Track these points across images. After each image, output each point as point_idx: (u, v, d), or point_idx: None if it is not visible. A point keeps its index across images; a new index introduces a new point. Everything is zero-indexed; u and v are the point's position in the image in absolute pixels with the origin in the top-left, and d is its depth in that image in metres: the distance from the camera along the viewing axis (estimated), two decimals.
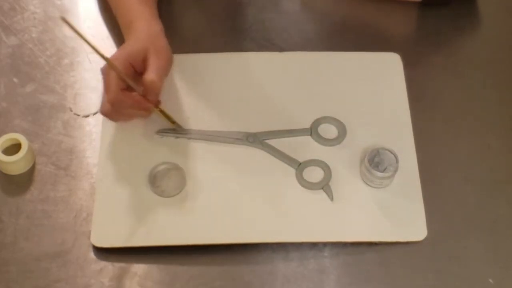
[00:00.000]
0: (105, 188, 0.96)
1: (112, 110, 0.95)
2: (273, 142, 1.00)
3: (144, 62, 0.95)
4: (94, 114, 1.04)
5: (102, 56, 0.91)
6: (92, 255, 0.93)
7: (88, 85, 1.06)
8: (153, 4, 1.03)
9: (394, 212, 0.95)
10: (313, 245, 0.94)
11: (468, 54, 1.12)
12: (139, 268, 0.92)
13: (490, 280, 0.92)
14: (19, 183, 0.98)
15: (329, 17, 1.13)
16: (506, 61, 1.11)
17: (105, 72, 0.94)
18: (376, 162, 0.95)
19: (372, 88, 1.05)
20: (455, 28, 1.12)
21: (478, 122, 1.04)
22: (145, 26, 0.98)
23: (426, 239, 0.94)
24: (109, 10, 1.07)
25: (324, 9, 1.13)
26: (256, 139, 1.00)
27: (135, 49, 0.95)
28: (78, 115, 1.04)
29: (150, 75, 0.93)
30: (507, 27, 1.15)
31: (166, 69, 0.97)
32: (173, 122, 1.00)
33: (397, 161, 0.95)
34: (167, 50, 0.98)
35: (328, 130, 1.01)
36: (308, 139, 1.01)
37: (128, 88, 0.95)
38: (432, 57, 1.11)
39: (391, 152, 0.96)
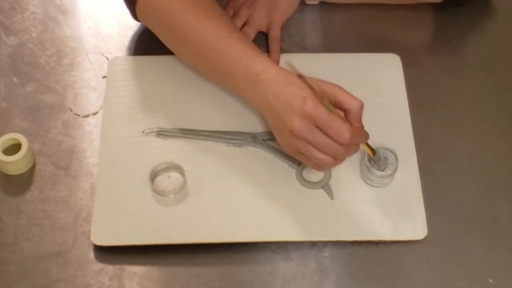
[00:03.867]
0: (105, 188, 0.96)
1: (340, 157, 0.90)
2: (273, 142, 1.00)
3: (324, 95, 0.88)
4: (94, 114, 1.04)
5: (318, 94, 0.86)
6: (92, 255, 0.93)
7: (88, 85, 1.06)
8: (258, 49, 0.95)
9: (394, 211, 0.95)
10: (313, 245, 0.94)
11: (468, 54, 1.12)
12: (139, 268, 0.92)
13: (490, 280, 0.92)
14: (19, 183, 0.98)
15: (329, 18, 1.13)
16: (506, 61, 1.11)
17: (326, 119, 0.86)
18: (376, 161, 0.95)
19: (372, 89, 1.05)
20: (455, 28, 1.12)
21: (478, 122, 1.05)
22: (280, 72, 0.91)
23: (426, 239, 0.94)
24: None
25: (324, 10, 1.13)
26: (256, 139, 1.00)
27: (313, 88, 0.87)
28: (78, 115, 1.04)
29: (357, 101, 0.89)
30: (506, 27, 1.15)
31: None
32: (374, 152, 0.95)
33: (397, 160, 0.95)
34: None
35: None
36: None
37: None
38: (432, 57, 1.11)
39: (391, 151, 0.96)
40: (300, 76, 0.86)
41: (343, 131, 0.86)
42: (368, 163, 0.95)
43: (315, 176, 0.98)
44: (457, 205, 0.97)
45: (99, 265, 0.92)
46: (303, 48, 1.10)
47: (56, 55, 1.09)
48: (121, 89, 1.05)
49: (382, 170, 0.95)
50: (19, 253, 0.93)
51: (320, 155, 0.88)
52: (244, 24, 1.08)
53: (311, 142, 0.88)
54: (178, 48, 0.99)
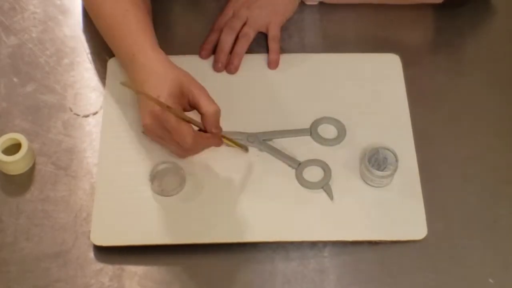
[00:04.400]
0: (105, 187, 0.96)
1: (187, 154, 0.97)
2: (273, 142, 1.00)
3: (184, 95, 0.93)
4: (94, 114, 1.04)
5: (161, 105, 0.89)
6: (92, 255, 0.93)
7: (88, 85, 1.06)
8: (152, 31, 0.99)
9: (394, 211, 0.95)
10: (313, 245, 0.94)
11: (467, 54, 1.12)
12: (139, 268, 0.92)
13: (490, 280, 0.92)
14: (19, 183, 0.98)
15: (329, 18, 1.13)
16: (506, 61, 1.11)
17: (172, 124, 0.91)
18: (376, 161, 0.95)
19: (372, 89, 1.05)
20: (455, 28, 1.13)
21: (478, 122, 1.05)
22: (153, 57, 0.95)
23: (426, 239, 0.94)
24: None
25: (324, 10, 1.13)
26: (256, 139, 1.00)
27: (172, 86, 0.92)
28: (78, 115, 1.04)
29: (212, 106, 0.93)
30: (506, 27, 1.15)
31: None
32: (243, 146, 0.98)
33: (396, 160, 0.95)
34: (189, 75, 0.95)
35: (328, 130, 1.01)
36: (308, 139, 1.01)
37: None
38: (431, 57, 1.11)
39: (391, 151, 0.96)
40: (141, 92, 0.90)
41: (185, 136, 0.92)
42: (368, 164, 0.95)
43: (315, 176, 0.98)
44: (457, 205, 0.97)
45: (99, 265, 0.92)
46: (303, 48, 1.10)
47: (56, 55, 1.09)
48: (121, 89, 1.04)
49: (382, 170, 0.95)
50: (19, 253, 0.93)
51: (171, 147, 0.96)
52: (244, 24, 1.08)
53: (160, 137, 0.95)
54: (93, 20, 1.04)
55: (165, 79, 0.92)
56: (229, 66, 1.06)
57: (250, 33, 1.08)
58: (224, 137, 0.96)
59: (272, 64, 1.07)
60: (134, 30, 0.97)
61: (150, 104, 0.91)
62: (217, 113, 0.93)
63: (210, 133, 0.94)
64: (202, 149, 0.98)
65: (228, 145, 0.98)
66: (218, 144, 0.97)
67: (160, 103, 0.89)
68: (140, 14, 0.98)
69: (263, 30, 1.09)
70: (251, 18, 1.08)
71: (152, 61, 0.94)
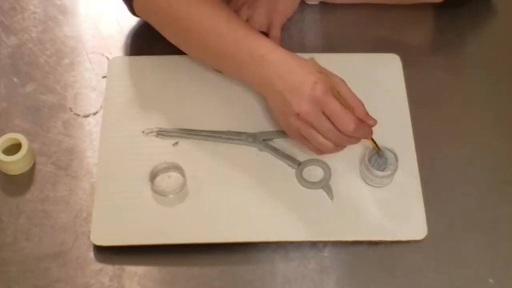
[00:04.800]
0: (105, 187, 0.96)
1: (335, 148, 0.91)
2: (273, 142, 1.00)
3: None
4: (94, 114, 1.04)
5: (333, 89, 0.87)
6: (92, 255, 0.93)
7: (88, 85, 1.06)
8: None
9: (394, 211, 0.95)
10: (313, 245, 0.94)
11: (467, 54, 1.12)
12: (139, 268, 0.92)
13: (490, 280, 0.92)
14: (19, 183, 0.98)
15: (329, 18, 1.13)
16: (506, 61, 1.11)
17: (337, 107, 0.87)
18: (376, 161, 0.95)
19: (372, 89, 1.05)
20: (455, 28, 1.12)
21: (478, 122, 1.05)
22: (286, 52, 0.91)
23: (426, 239, 0.94)
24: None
25: (324, 10, 1.14)
26: (256, 139, 1.00)
27: (321, 76, 0.89)
28: (78, 115, 1.04)
29: (357, 99, 0.90)
30: (506, 27, 1.15)
31: None
32: (379, 149, 0.96)
33: (396, 160, 0.95)
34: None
35: None
36: None
37: None
38: (431, 57, 1.11)
39: (391, 151, 0.96)
40: (311, 59, 0.86)
41: (348, 121, 0.87)
42: (368, 164, 0.95)
43: (315, 176, 0.98)
44: (457, 205, 0.97)
45: (99, 265, 0.92)
46: (303, 48, 1.09)
47: (56, 55, 1.09)
48: (121, 89, 1.05)
49: (382, 170, 0.95)
50: (19, 253, 0.93)
51: (322, 140, 0.90)
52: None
53: (315, 127, 0.89)
54: (178, 37, 0.99)
55: (311, 67, 0.89)
56: None
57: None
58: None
59: None
60: (248, 34, 0.93)
61: (305, 91, 0.87)
62: (363, 105, 0.91)
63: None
64: (356, 142, 0.93)
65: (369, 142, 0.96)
66: (369, 135, 0.93)
67: (324, 71, 0.87)
68: (241, 19, 0.96)
69: (264, 29, 1.09)
70: (251, 18, 1.08)
71: (286, 55, 0.90)
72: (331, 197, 0.96)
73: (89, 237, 0.93)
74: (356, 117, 0.89)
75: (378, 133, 0.99)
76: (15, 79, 1.07)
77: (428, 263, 0.93)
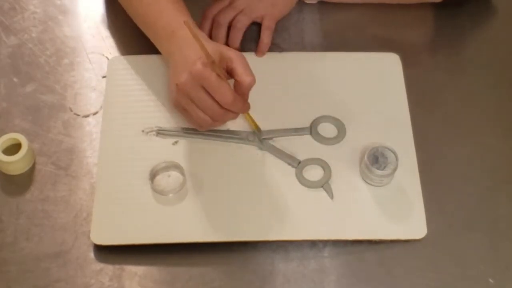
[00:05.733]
0: (105, 187, 0.96)
1: (214, 123, 0.95)
2: (273, 141, 1.00)
3: (222, 61, 0.93)
4: (94, 114, 1.04)
5: (208, 56, 0.90)
6: (92, 255, 0.93)
7: (88, 85, 1.06)
8: (187, 10, 1.00)
9: (394, 210, 0.95)
10: (313, 245, 0.94)
11: (467, 54, 1.12)
12: (139, 268, 0.92)
13: (490, 280, 0.92)
14: (19, 183, 0.98)
15: (329, 17, 1.13)
16: (506, 61, 1.11)
17: (213, 80, 0.90)
18: (375, 160, 0.95)
19: (372, 88, 1.05)
20: (455, 28, 1.13)
21: (478, 122, 1.05)
22: (197, 29, 0.95)
23: (426, 239, 0.94)
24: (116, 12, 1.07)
25: (324, 9, 1.14)
26: (256, 138, 1.00)
27: (212, 50, 0.92)
28: (78, 115, 1.04)
29: (249, 76, 0.93)
30: (506, 27, 1.15)
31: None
32: (257, 127, 0.99)
33: (396, 159, 0.95)
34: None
35: (328, 129, 1.02)
36: (308, 138, 1.01)
37: None
38: (431, 57, 1.11)
39: (391, 150, 0.96)
40: (195, 36, 0.89)
41: (226, 92, 0.91)
42: (368, 163, 0.95)
43: (315, 175, 0.98)
44: (457, 205, 0.97)
45: (99, 265, 0.92)
46: (303, 47, 1.10)
47: (56, 55, 1.09)
48: (121, 89, 1.05)
49: (382, 169, 0.95)
50: (19, 253, 0.93)
51: (200, 114, 0.94)
52: (239, 13, 1.08)
53: (193, 100, 0.93)
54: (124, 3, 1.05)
55: (206, 46, 0.91)
56: None
57: (244, 21, 1.08)
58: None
59: (259, 52, 1.08)
60: (171, 9, 0.98)
61: (189, 64, 0.91)
62: (252, 84, 0.93)
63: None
64: (233, 117, 0.97)
65: (247, 119, 0.99)
66: (246, 109, 0.96)
67: (207, 54, 0.89)
68: None
69: (258, 20, 1.09)
70: (247, 7, 1.08)
71: (194, 34, 0.92)
72: (331, 196, 0.96)
73: (89, 237, 0.93)
74: (234, 91, 0.92)
75: (378, 132, 1.00)
76: (15, 79, 1.07)
77: (428, 263, 0.93)
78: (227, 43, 1.08)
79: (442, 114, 1.05)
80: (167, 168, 0.97)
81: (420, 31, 1.14)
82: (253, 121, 0.99)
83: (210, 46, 0.93)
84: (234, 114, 0.96)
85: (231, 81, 0.94)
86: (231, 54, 0.93)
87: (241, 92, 0.94)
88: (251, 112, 0.98)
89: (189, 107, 0.94)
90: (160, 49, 1.01)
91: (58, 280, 0.91)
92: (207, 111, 0.93)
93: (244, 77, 0.93)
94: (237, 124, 1.01)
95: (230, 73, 0.94)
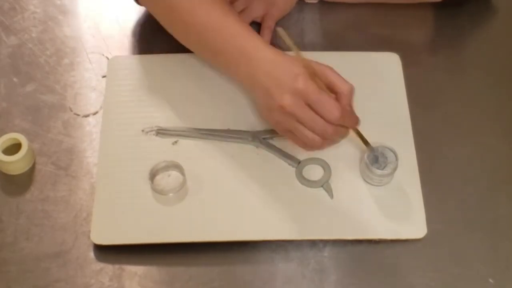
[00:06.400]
0: (105, 187, 0.96)
1: (324, 143, 0.90)
2: (273, 140, 1.00)
3: (316, 76, 0.90)
4: (94, 114, 1.04)
5: (310, 69, 0.87)
6: (92, 255, 0.93)
7: (88, 85, 1.06)
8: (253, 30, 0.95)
9: (394, 210, 0.95)
10: (313, 245, 0.94)
11: (467, 54, 1.12)
12: (139, 268, 0.92)
13: (490, 280, 0.92)
14: (19, 183, 0.98)
15: (329, 17, 1.13)
16: (506, 61, 1.11)
17: (317, 95, 0.87)
18: (375, 159, 0.95)
19: (371, 88, 1.05)
20: (455, 28, 1.13)
21: (478, 122, 1.04)
22: (274, 50, 0.91)
23: (426, 239, 0.94)
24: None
25: (324, 9, 1.14)
26: (256, 138, 1.00)
27: (305, 66, 0.88)
28: (78, 115, 1.04)
29: (347, 84, 0.89)
30: (506, 27, 1.15)
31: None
32: (367, 142, 0.96)
33: (396, 159, 0.95)
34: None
35: None
36: None
37: None
38: (431, 56, 1.11)
39: (391, 150, 0.96)
40: (295, 50, 0.86)
41: (332, 108, 0.87)
42: (368, 162, 0.95)
43: (315, 174, 0.98)
44: (457, 205, 0.97)
45: (99, 265, 0.92)
46: (303, 47, 1.08)
47: (56, 55, 1.09)
48: (121, 89, 1.05)
49: (382, 169, 0.95)
50: (19, 253, 0.93)
51: (308, 133, 0.89)
52: (240, 12, 1.09)
53: (300, 119, 0.88)
54: (175, 28, 0.99)
55: (297, 61, 0.88)
56: None
57: (244, 21, 1.07)
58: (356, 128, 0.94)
59: None
60: (241, 31, 0.93)
61: (288, 82, 0.87)
62: (353, 91, 0.90)
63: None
64: (344, 135, 0.92)
65: (357, 135, 0.95)
66: (355, 122, 0.92)
67: (307, 65, 0.87)
68: (236, 13, 0.96)
69: (258, 20, 1.09)
70: (248, 8, 1.09)
71: (274, 53, 0.90)
72: (331, 196, 0.96)
73: (89, 237, 0.93)
74: (341, 105, 0.88)
75: (378, 132, 1.00)
76: (15, 79, 1.07)
77: (428, 263, 0.93)
78: None
79: (442, 114, 1.05)
80: (167, 168, 0.97)
81: (420, 31, 1.14)
82: (362, 136, 0.95)
83: (299, 60, 0.89)
84: (345, 130, 0.92)
85: None
86: (323, 67, 0.90)
87: (346, 104, 0.90)
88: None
89: (295, 127, 0.89)
90: (235, 75, 0.95)
91: (58, 280, 0.91)
92: (316, 130, 0.89)
93: (343, 86, 0.89)
94: (237, 123, 1.01)
95: (326, 87, 0.90)
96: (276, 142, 1.00)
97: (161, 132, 1.01)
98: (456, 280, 0.92)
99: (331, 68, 0.91)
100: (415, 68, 1.07)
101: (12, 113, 1.03)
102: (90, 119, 1.03)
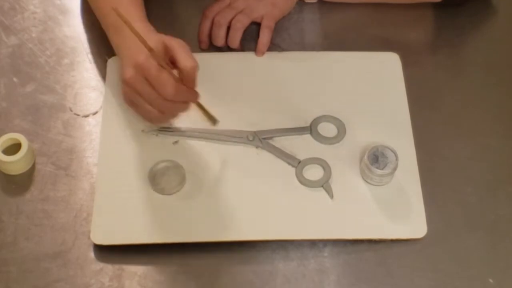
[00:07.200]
0: (105, 187, 0.96)
1: (165, 116, 0.95)
2: (273, 140, 1.00)
3: (166, 52, 0.92)
4: (94, 114, 1.04)
5: (146, 45, 0.89)
6: (92, 255, 0.93)
7: (88, 85, 1.06)
8: (141, 4, 1.00)
9: (394, 210, 0.95)
10: (313, 245, 0.94)
11: (467, 54, 1.12)
12: (139, 268, 0.92)
13: (490, 280, 0.92)
14: (19, 183, 0.98)
15: (329, 17, 1.13)
16: (506, 61, 1.11)
17: (153, 71, 0.90)
18: (375, 159, 0.95)
19: (371, 87, 1.05)
20: (455, 28, 1.13)
21: (478, 122, 1.05)
22: (140, 27, 0.93)
23: (426, 239, 0.94)
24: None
25: (324, 9, 1.14)
26: (256, 138, 1.00)
27: (155, 42, 0.91)
28: (78, 115, 1.04)
29: (190, 61, 0.91)
30: (506, 27, 1.15)
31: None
32: (212, 118, 0.98)
33: (396, 159, 0.95)
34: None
35: (328, 129, 1.02)
36: (308, 137, 1.01)
37: None
38: (431, 56, 1.11)
39: (391, 150, 0.96)
40: (127, 22, 0.89)
41: (166, 85, 0.90)
42: (368, 162, 0.95)
43: (315, 174, 0.98)
44: (457, 205, 0.97)
45: (99, 265, 0.92)
46: (303, 47, 1.10)
47: (56, 55, 1.09)
48: (120, 89, 1.05)
49: (382, 169, 0.95)
50: (19, 253, 0.93)
51: (147, 107, 0.93)
52: (239, 13, 1.09)
53: (139, 93, 0.93)
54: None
55: (149, 39, 0.91)
56: None
57: (244, 20, 1.08)
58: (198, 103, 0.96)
59: (259, 52, 1.07)
60: (125, 3, 0.97)
61: (133, 57, 0.91)
62: (195, 68, 0.92)
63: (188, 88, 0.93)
64: (184, 109, 0.95)
65: (200, 111, 0.97)
66: (194, 99, 0.95)
67: (143, 41, 0.89)
68: None
69: (258, 20, 1.09)
70: (247, 8, 1.09)
71: (139, 27, 0.92)
72: (331, 196, 0.96)
73: (89, 237, 0.93)
74: (176, 81, 0.91)
75: (378, 132, 1.00)
76: (15, 79, 1.07)
77: (428, 263, 0.93)
78: (226, 43, 1.08)
79: (442, 114, 1.05)
80: (167, 168, 0.97)
81: (420, 31, 1.14)
82: (206, 111, 0.98)
83: (153, 37, 0.92)
84: (183, 105, 0.95)
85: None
86: (172, 42, 0.92)
87: (187, 80, 0.92)
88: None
89: (137, 101, 0.94)
90: (112, 44, 1.00)
91: (58, 280, 0.91)
92: (154, 104, 0.93)
93: (185, 63, 0.91)
94: (237, 123, 1.01)
95: (173, 62, 0.93)
96: (276, 142, 1.00)
97: (161, 132, 1.01)
98: (456, 280, 0.92)
99: (181, 44, 0.93)
100: (415, 68, 1.08)
101: (12, 113, 1.03)
102: (90, 119, 1.03)
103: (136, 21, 0.94)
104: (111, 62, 1.07)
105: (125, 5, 0.97)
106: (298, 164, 0.98)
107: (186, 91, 0.93)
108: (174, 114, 0.97)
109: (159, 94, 0.91)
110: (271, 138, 1.00)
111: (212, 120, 0.99)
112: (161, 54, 0.91)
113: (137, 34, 0.89)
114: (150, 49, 0.90)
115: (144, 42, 0.90)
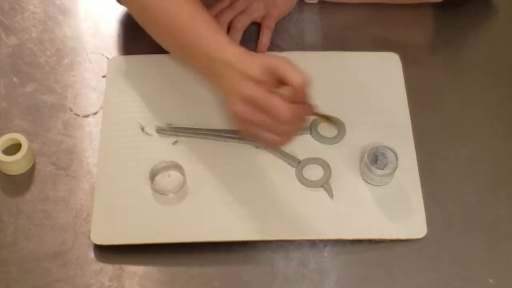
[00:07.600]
0: (105, 187, 0.96)
1: (286, 137, 0.90)
2: None
3: (272, 74, 0.87)
4: (94, 114, 1.04)
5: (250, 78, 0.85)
6: (92, 255, 0.93)
7: (88, 85, 1.06)
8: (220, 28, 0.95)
9: (394, 210, 0.95)
10: (313, 245, 0.94)
11: (467, 54, 1.12)
12: (139, 268, 0.92)
13: (490, 280, 0.92)
14: (19, 183, 0.98)
15: (329, 17, 1.13)
16: (506, 61, 1.11)
17: (262, 98, 0.85)
18: (375, 159, 0.95)
19: (371, 87, 1.05)
20: (455, 28, 1.13)
21: (478, 122, 1.04)
22: (236, 52, 0.89)
23: (426, 239, 0.94)
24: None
25: (324, 9, 1.14)
26: None
27: (259, 66, 0.87)
28: (78, 115, 1.04)
29: (300, 75, 0.85)
30: (506, 27, 1.15)
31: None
32: (329, 120, 0.96)
33: (396, 159, 0.95)
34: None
35: (328, 129, 1.01)
36: (307, 137, 1.01)
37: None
38: (431, 56, 1.11)
39: (391, 150, 0.96)
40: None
41: (281, 110, 0.85)
42: (368, 162, 0.95)
43: (315, 174, 0.98)
44: (457, 205, 0.97)
45: (99, 265, 0.92)
46: (303, 47, 1.10)
47: (56, 55, 1.09)
48: (121, 89, 1.05)
49: (382, 169, 0.95)
50: (19, 253, 0.93)
51: (267, 135, 0.89)
52: (240, 12, 1.09)
53: (254, 123, 0.88)
54: (148, 28, 0.98)
55: (252, 63, 0.87)
56: None
57: (244, 21, 1.08)
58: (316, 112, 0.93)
59: (261, 48, 1.07)
60: (205, 31, 0.91)
61: (236, 90, 0.86)
62: (306, 81, 0.86)
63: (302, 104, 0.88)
64: (299, 125, 0.90)
65: (319, 118, 0.95)
66: (311, 112, 0.91)
67: (263, 61, 0.86)
68: (205, 13, 0.94)
69: (258, 20, 1.09)
70: (248, 8, 1.09)
71: (234, 54, 0.89)
72: (331, 196, 0.96)
73: (89, 237, 0.93)
74: (290, 102, 0.86)
75: (378, 132, 1.00)
76: (15, 79, 1.07)
77: (428, 263, 0.93)
78: None
79: (442, 114, 1.05)
80: (167, 168, 0.97)
81: (420, 31, 1.14)
82: (325, 116, 0.95)
83: (253, 63, 0.88)
84: (302, 122, 0.90)
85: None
86: (276, 63, 0.87)
87: (298, 96, 0.87)
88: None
89: (254, 131, 0.90)
90: (206, 78, 0.95)
91: (58, 280, 0.91)
92: (273, 130, 0.88)
93: (296, 80, 0.85)
94: None
95: (282, 81, 0.87)
96: None
97: (161, 132, 1.01)
98: (456, 280, 0.92)
99: (285, 60, 0.88)
100: (415, 68, 1.07)
101: (12, 113, 1.04)
102: (90, 119, 1.03)
103: (227, 47, 0.89)
104: (111, 62, 1.07)
105: (206, 31, 0.91)
106: (298, 164, 0.98)
107: (301, 109, 0.88)
108: (296, 133, 0.92)
109: (275, 121, 0.86)
110: None
111: (333, 121, 0.96)
112: (266, 79, 0.87)
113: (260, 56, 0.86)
114: (251, 77, 0.86)
115: (264, 65, 0.86)
